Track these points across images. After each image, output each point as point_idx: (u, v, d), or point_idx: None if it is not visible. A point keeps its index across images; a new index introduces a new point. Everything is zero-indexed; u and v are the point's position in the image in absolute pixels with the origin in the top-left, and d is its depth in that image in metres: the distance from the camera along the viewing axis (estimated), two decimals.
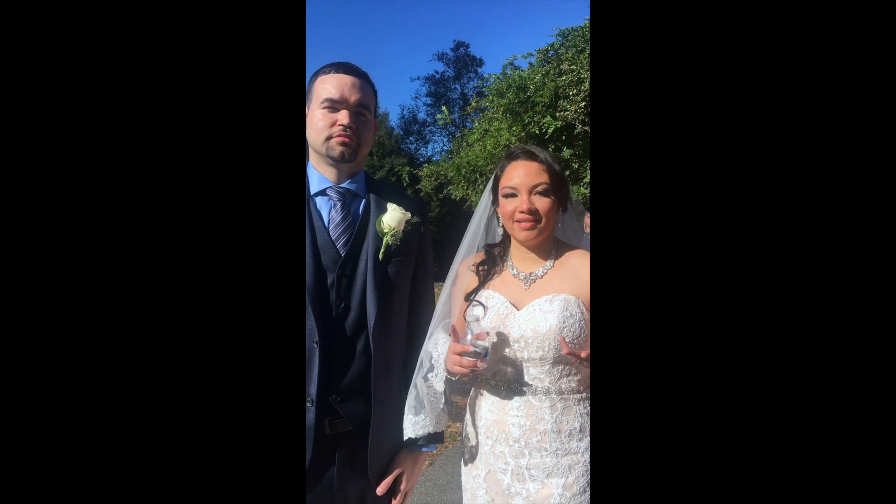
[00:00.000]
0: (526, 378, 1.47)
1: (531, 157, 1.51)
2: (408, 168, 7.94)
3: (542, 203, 1.48)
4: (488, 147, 5.74)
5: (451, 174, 6.33)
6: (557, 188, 1.50)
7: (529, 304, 1.49)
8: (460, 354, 1.38)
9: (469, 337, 1.40)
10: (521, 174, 1.49)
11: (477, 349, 1.37)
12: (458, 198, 6.52)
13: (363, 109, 1.53)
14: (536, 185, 1.48)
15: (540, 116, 5.57)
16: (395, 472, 1.58)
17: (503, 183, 1.53)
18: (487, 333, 1.44)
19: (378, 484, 1.56)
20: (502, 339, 1.48)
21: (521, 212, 1.47)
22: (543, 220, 1.49)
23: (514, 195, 1.50)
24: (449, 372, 1.47)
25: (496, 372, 1.51)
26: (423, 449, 1.62)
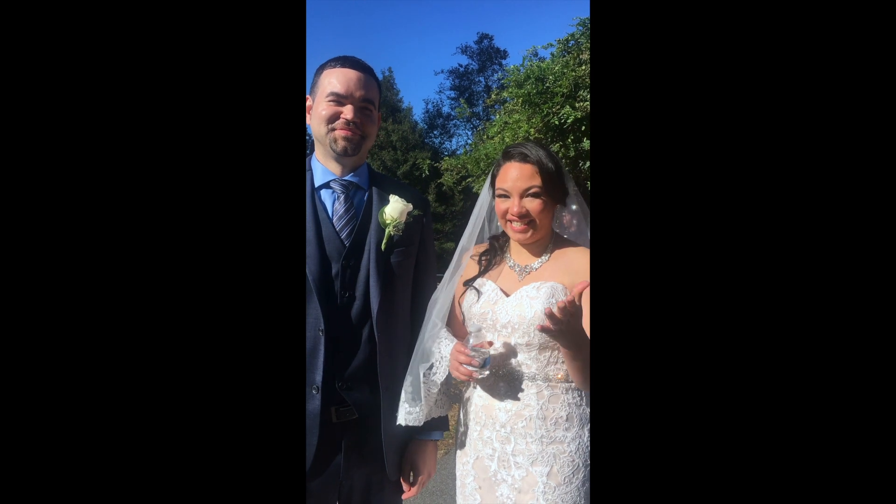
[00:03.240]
0: (513, 363, 1.49)
1: (524, 158, 1.52)
2: (428, 161, 7.94)
3: (533, 205, 1.50)
4: (507, 139, 5.73)
5: (471, 167, 6.35)
6: (550, 188, 1.52)
7: (518, 290, 1.52)
8: (462, 363, 1.41)
9: (472, 342, 1.43)
10: (514, 176, 1.51)
11: (477, 357, 1.40)
12: (478, 191, 6.52)
13: (368, 104, 1.56)
14: (528, 189, 1.50)
15: (559, 107, 5.53)
16: (422, 479, 1.63)
17: (497, 183, 1.56)
18: (491, 343, 1.46)
19: (394, 471, 1.59)
20: (508, 350, 1.50)
21: (513, 214, 1.50)
22: (536, 222, 1.51)
23: (506, 196, 1.53)
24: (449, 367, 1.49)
25: None
26: (432, 437, 1.65)
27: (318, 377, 1.47)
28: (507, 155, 1.56)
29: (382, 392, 1.54)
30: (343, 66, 1.55)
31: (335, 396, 1.50)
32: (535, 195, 1.50)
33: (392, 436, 1.57)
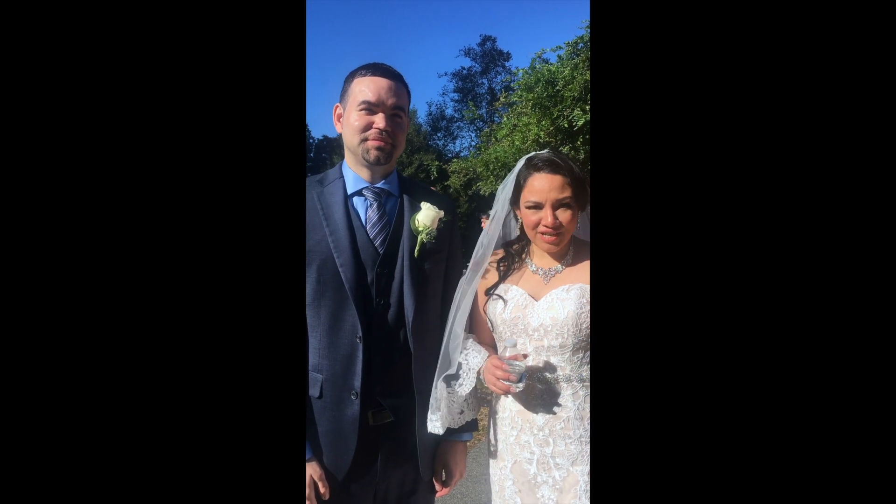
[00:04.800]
0: (548, 367, 1.51)
1: (554, 169, 1.51)
2: (437, 163, 7.97)
3: (565, 216, 1.51)
4: (516, 142, 5.75)
5: (480, 170, 6.37)
6: (579, 196, 1.52)
7: (547, 293, 1.53)
8: (500, 378, 1.42)
9: (507, 355, 1.45)
10: (545, 188, 1.50)
11: (514, 371, 1.42)
12: (486, 193, 6.53)
13: (399, 111, 1.57)
14: (561, 200, 1.50)
15: (569, 110, 5.54)
16: (456, 480, 1.67)
17: (526, 195, 1.54)
18: (525, 356, 1.48)
19: (427, 473, 1.62)
20: (540, 358, 1.52)
21: (546, 225, 1.50)
22: (566, 231, 1.52)
23: (537, 207, 1.52)
24: (484, 380, 1.51)
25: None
26: (463, 439, 1.68)
27: (357, 383, 1.50)
28: (535, 166, 1.54)
29: (417, 396, 1.56)
30: (373, 73, 1.56)
31: (372, 401, 1.53)
32: (566, 206, 1.51)
33: (425, 438, 1.59)
